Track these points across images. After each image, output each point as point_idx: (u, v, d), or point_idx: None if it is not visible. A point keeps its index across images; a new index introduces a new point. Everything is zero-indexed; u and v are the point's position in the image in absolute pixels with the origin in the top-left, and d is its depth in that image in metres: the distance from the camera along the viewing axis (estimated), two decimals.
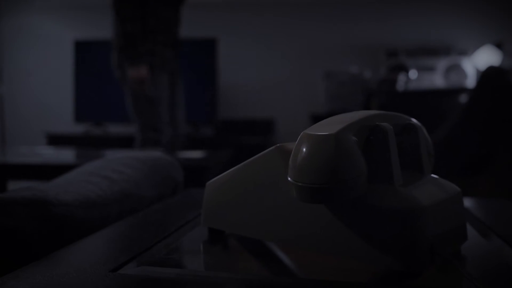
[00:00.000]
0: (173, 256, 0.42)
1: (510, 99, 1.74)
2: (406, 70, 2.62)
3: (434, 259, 0.34)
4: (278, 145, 0.41)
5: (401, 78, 2.56)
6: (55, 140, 2.88)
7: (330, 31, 3.01)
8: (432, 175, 0.42)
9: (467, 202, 0.64)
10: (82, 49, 3.10)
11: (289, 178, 0.35)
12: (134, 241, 0.45)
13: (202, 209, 0.47)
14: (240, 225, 0.43)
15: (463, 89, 2.31)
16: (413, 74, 2.62)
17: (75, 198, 0.51)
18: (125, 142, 2.60)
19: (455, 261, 0.33)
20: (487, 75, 1.77)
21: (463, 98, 2.13)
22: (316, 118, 2.54)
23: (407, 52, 2.70)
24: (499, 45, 2.48)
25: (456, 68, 2.63)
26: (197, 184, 1.66)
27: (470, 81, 2.57)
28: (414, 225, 0.34)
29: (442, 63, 2.64)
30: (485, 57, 2.48)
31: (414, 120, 0.43)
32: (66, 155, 1.93)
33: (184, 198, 0.69)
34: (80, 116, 3.09)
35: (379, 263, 0.35)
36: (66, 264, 0.38)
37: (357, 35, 2.98)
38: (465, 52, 2.65)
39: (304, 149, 0.34)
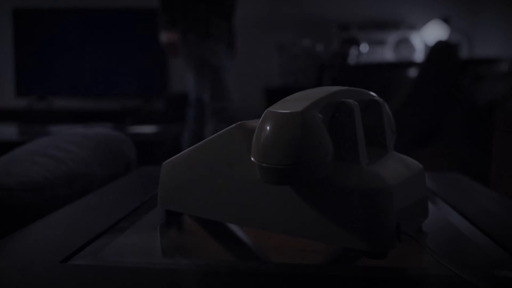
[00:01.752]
0: (129, 241, 0.39)
1: (458, 74, 1.79)
2: (357, 43, 2.65)
3: (400, 238, 0.34)
4: (239, 122, 0.39)
5: (352, 52, 2.58)
6: None
7: (282, 4, 2.98)
8: (395, 152, 0.41)
9: None
10: (22, 17, 2.91)
11: (252, 159, 0.33)
12: (85, 227, 0.42)
13: (158, 190, 0.44)
14: (199, 207, 0.41)
15: (412, 63, 2.36)
16: (364, 47, 2.65)
17: (19, 180, 0.47)
18: (72, 117, 2.49)
19: (420, 240, 0.33)
20: (436, 50, 1.81)
21: (412, 72, 2.18)
22: (270, 92, 2.53)
23: (358, 26, 2.71)
24: (446, 20, 2.54)
25: (405, 42, 2.68)
26: (149, 160, 1.62)
27: (419, 55, 2.62)
28: (381, 204, 0.33)
29: (392, 37, 2.68)
30: (433, 32, 2.53)
31: (377, 96, 0.42)
32: (7, 132, 1.83)
33: (137, 176, 0.66)
34: (22, 89, 2.92)
35: (345, 244, 0.34)
36: (9, 255, 0.35)
37: (310, 8, 2.96)
38: (414, 26, 2.70)
39: (269, 128, 0.32)
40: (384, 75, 2.22)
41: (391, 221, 0.33)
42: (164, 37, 1.93)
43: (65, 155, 0.59)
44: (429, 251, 0.32)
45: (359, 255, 0.34)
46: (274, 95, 2.43)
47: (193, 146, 0.42)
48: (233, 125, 0.39)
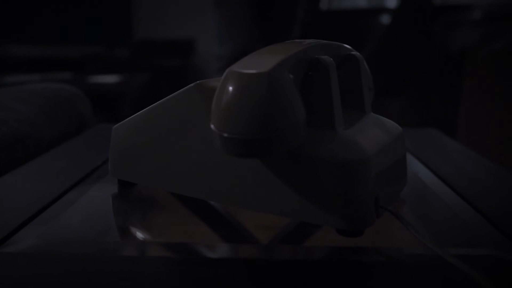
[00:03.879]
0: (76, 219, 0.35)
1: (430, 21, 1.75)
2: None
3: (378, 214, 0.31)
4: (198, 82, 0.34)
5: None
6: None
7: None
8: (373, 113, 0.37)
9: None
10: None
11: (212, 126, 0.28)
12: (23, 201, 0.37)
13: (109, 158, 0.39)
14: (153, 177, 0.36)
15: (384, 9, 2.30)
16: None
17: None
18: (29, 66, 2.34)
19: (400, 216, 0.30)
20: None
21: (385, 19, 2.12)
22: None
23: None
24: None
25: None
26: (111, 114, 1.54)
27: (391, 1, 2.56)
28: (358, 177, 0.29)
29: None
30: None
31: (354, 50, 0.37)
32: None
33: (91, 137, 0.60)
34: None
35: (317, 221, 0.30)
36: None
37: None
38: None
39: (231, 92, 0.28)
40: (356, 21, 2.15)
41: (369, 196, 0.30)
42: None
43: (7, 115, 0.53)
44: (411, 230, 0.29)
45: (333, 233, 0.30)
46: None
47: (147, 108, 0.37)
48: (191, 84, 0.34)
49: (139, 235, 0.33)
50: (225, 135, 0.27)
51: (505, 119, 1.38)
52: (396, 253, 0.30)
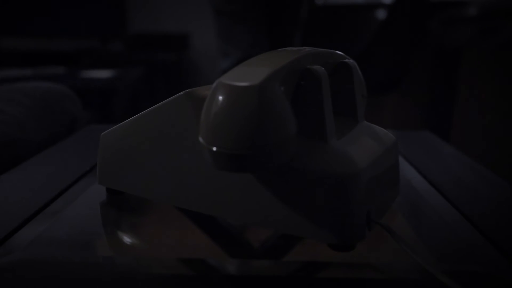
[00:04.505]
0: (61, 231, 0.34)
1: (427, 17, 1.75)
2: None
3: (370, 227, 0.30)
4: (187, 90, 0.33)
5: None
6: None
7: None
8: (365, 121, 0.37)
9: None
10: None
11: (200, 139, 0.28)
12: (11, 206, 0.36)
13: (97, 165, 0.38)
14: (141, 187, 0.36)
15: (381, 4, 2.29)
16: None
17: None
18: (22, 60, 2.32)
19: (392, 230, 0.29)
20: None
21: (381, 14, 2.11)
22: None
23: None
24: None
25: None
26: (103, 111, 1.53)
27: None
28: (350, 191, 0.29)
29: None
30: None
31: (348, 58, 0.37)
32: None
33: (81, 138, 0.59)
34: None
35: (307, 235, 0.30)
36: None
37: None
38: None
39: (220, 104, 0.27)
40: (352, 17, 2.14)
41: (360, 209, 0.29)
42: None
43: None
44: (402, 245, 0.28)
45: (323, 248, 0.30)
46: None
47: (136, 116, 0.36)
48: (181, 92, 0.33)
49: (128, 247, 0.33)
50: (214, 149, 0.27)
51: (502, 116, 1.38)
52: (387, 268, 0.29)
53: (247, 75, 0.28)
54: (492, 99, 1.42)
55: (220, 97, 0.27)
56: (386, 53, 1.79)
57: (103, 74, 1.72)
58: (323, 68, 0.31)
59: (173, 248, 0.32)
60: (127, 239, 0.34)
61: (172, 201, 0.35)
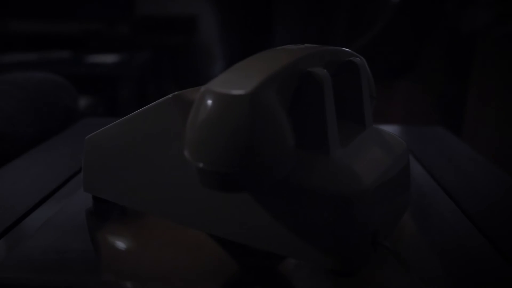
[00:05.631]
0: (45, 241, 0.31)
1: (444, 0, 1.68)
2: None
3: (376, 249, 0.27)
4: (176, 93, 0.30)
5: None
6: None
7: None
8: (374, 126, 0.33)
9: (394, 132, 0.58)
10: None
11: (185, 154, 0.25)
12: None
13: (82, 171, 0.36)
14: (127, 196, 0.33)
15: None
16: None
17: None
18: (28, 43, 2.29)
19: (398, 254, 0.26)
20: None
21: None
22: None
23: None
24: None
25: None
26: (109, 97, 1.50)
27: None
28: (355, 212, 0.25)
29: None
30: None
31: (355, 55, 0.33)
32: None
33: (75, 134, 0.56)
34: None
35: (305, 259, 0.27)
36: None
37: None
38: None
39: (206, 115, 0.24)
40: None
41: (365, 232, 0.26)
42: None
43: None
44: (410, 272, 0.25)
45: (321, 274, 0.27)
46: None
47: (122, 119, 0.33)
48: (169, 95, 0.30)
49: (109, 269, 0.30)
50: (201, 165, 0.24)
51: None
52: None
53: (238, 81, 0.24)
54: (508, 88, 1.37)
55: (206, 107, 0.24)
56: (398, 37, 1.73)
57: (109, 58, 1.69)
58: (325, 71, 0.27)
59: (165, 275, 0.29)
60: (108, 258, 0.31)
61: (159, 214, 0.32)
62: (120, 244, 0.32)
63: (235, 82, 0.24)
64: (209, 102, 0.24)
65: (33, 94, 0.57)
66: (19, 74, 0.61)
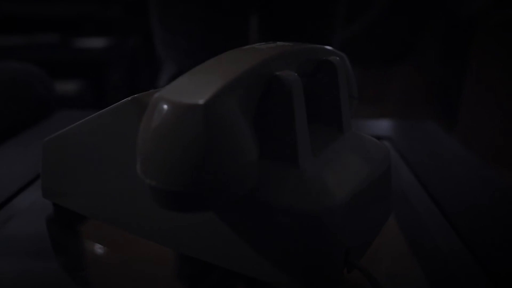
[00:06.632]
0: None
1: None
2: None
3: (349, 269, 0.25)
4: (135, 96, 0.27)
5: None
6: None
7: None
8: (353, 130, 0.31)
9: (384, 128, 0.55)
10: None
11: (137, 169, 0.22)
12: None
13: (40, 177, 0.33)
14: (86, 204, 0.31)
15: None
16: None
17: None
18: (11, 25, 2.23)
19: (372, 277, 0.24)
20: None
21: None
22: None
23: None
24: None
25: None
26: (101, 80, 1.46)
27: None
28: (326, 229, 0.23)
29: None
30: None
31: (335, 53, 0.30)
32: None
33: (46, 128, 0.54)
34: None
35: (272, 279, 0.24)
36: None
37: None
38: None
39: (156, 127, 0.21)
40: None
41: (337, 252, 0.24)
42: None
43: None
44: None
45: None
46: None
47: (80, 122, 0.30)
48: (128, 98, 0.28)
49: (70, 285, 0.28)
50: (153, 183, 0.21)
51: None
52: None
53: (194, 88, 0.22)
54: (504, 75, 1.34)
55: (158, 117, 0.21)
56: (395, 23, 1.70)
57: (99, 43, 1.65)
58: (295, 74, 0.25)
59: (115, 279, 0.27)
60: (68, 274, 0.29)
61: (119, 225, 0.30)
62: (81, 259, 0.30)
63: (190, 89, 0.22)
64: (160, 111, 0.21)
65: (2, 87, 0.54)
66: None
